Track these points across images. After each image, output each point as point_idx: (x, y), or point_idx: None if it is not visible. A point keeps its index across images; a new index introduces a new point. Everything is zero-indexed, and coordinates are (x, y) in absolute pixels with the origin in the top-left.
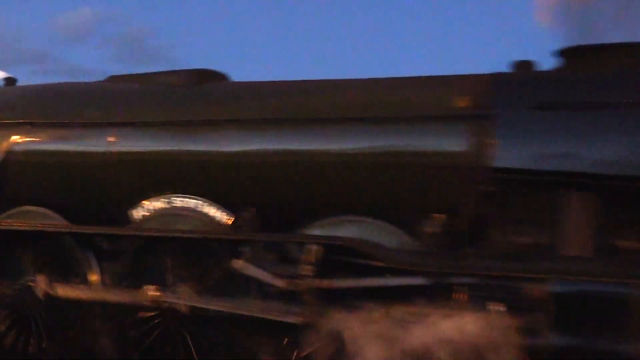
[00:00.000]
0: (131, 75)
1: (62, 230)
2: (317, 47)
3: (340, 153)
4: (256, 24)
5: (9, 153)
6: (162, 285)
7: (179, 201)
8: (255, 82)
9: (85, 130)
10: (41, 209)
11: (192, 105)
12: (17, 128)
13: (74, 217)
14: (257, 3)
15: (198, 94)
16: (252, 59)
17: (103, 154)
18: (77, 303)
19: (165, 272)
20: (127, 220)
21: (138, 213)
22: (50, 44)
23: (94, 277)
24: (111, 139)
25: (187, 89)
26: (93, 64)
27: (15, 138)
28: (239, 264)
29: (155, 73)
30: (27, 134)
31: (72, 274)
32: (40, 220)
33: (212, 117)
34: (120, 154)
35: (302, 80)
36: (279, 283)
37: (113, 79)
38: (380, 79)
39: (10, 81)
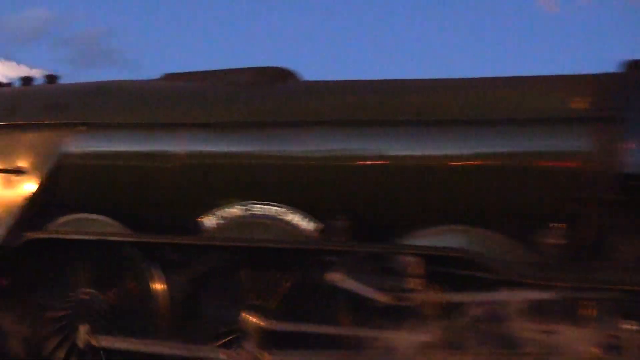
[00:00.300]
0: (188, 73)
1: (127, 239)
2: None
3: (445, 157)
4: (208, 25)
5: (63, 156)
6: (236, 301)
7: (258, 208)
8: (331, 81)
9: (150, 132)
10: (99, 217)
11: (270, 105)
12: (71, 129)
13: (135, 226)
14: (214, 5)
15: (274, 93)
16: (206, 61)
17: (171, 156)
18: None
19: (240, 286)
20: (197, 229)
21: (210, 221)
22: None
23: (158, 290)
24: (180, 140)
25: (261, 87)
26: (46, 64)
27: (69, 140)
28: (335, 277)
29: (216, 71)
30: (82, 136)
31: (134, 287)
32: (98, 228)
33: (295, 118)
34: (191, 157)
35: (385, 80)
36: (383, 297)
37: (169, 77)
38: (485, 78)
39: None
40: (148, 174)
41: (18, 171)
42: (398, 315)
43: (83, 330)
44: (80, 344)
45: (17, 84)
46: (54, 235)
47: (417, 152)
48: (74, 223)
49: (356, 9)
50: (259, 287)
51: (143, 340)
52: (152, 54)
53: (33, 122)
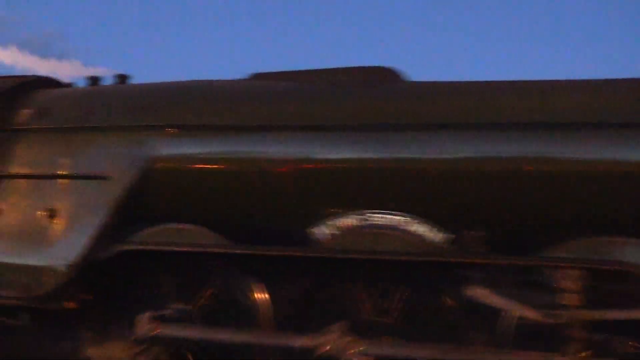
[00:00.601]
0: (281, 72)
1: (230, 251)
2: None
3: (606, 161)
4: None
5: (151, 161)
6: (351, 318)
7: (378, 217)
8: (440, 82)
9: (252, 135)
10: (192, 227)
11: (384, 107)
12: (160, 132)
13: (234, 237)
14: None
15: (386, 94)
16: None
17: (277, 162)
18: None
19: (357, 302)
20: (307, 240)
21: (322, 232)
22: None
23: (260, 307)
24: (288, 144)
25: (369, 88)
26: None
27: (158, 143)
28: (477, 292)
29: (316, 71)
30: (174, 139)
31: (235, 304)
32: (194, 239)
33: (415, 120)
34: (299, 161)
35: (495, 81)
36: (533, 315)
37: (259, 76)
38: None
39: (94, 80)
40: (250, 180)
41: (99, 177)
42: (541, 334)
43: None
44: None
45: (84, 84)
46: (149, 248)
47: (573, 155)
48: (164, 234)
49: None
50: (375, 302)
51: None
52: (104, 53)
53: (115, 125)
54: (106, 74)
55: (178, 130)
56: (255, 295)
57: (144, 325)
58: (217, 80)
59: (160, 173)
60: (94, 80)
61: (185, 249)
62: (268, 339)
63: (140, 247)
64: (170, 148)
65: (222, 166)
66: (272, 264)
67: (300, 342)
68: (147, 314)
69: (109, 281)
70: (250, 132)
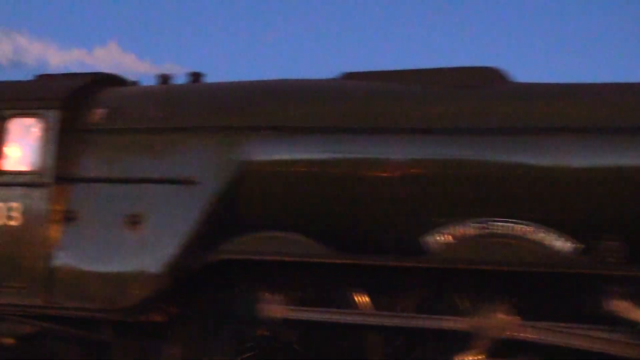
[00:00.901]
0: (373, 72)
1: (337, 261)
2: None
3: None
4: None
5: (245, 164)
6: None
7: (499, 226)
8: (547, 83)
9: (359, 137)
10: (291, 234)
11: (499, 110)
12: (255, 133)
13: (334, 245)
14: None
15: (498, 96)
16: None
17: (385, 166)
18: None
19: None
20: (418, 250)
21: (437, 240)
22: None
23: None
24: (398, 147)
25: (478, 89)
26: None
27: (252, 145)
28: (618, 305)
29: (410, 71)
30: (270, 141)
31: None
32: (293, 248)
33: (536, 124)
34: (410, 165)
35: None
36: None
37: (351, 75)
38: None
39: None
40: (354, 185)
41: (186, 181)
42: None
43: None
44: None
45: (155, 82)
46: (251, 257)
47: None
48: (261, 242)
49: None
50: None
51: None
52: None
53: (203, 126)
54: (165, 70)
55: (275, 132)
56: (359, 307)
57: (275, 308)
58: (308, 80)
59: (254, 177)
60: (165, 78)
61: (291, 259)
62: (415, 322)
63: (240, 256)
64: (267, 151)
65: (324, 170)
66: (377, 275)
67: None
68: (279, 296)
69: (197, 292)
70: (355, 134)
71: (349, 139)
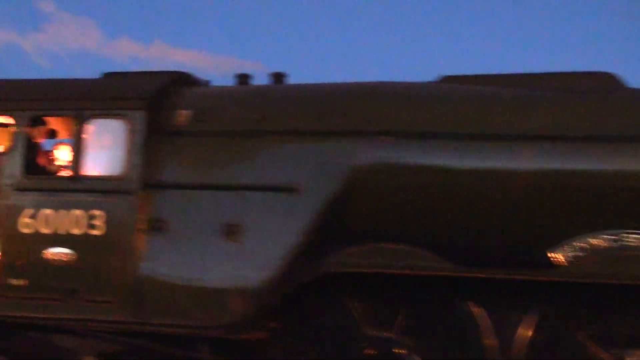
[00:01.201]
0: (474, 76)
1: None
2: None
3: None
4: None
5: (357, 172)
6: None
7: (633, 238)
8: None
9: (483, 144)
10: (405, 246)
11: (628, 116)
12: (369, 139)
13: (452, 257)
14: None
15: (621, 103)
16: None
17: (512, 175)
18: None
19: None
20: (547, 263)
21: (564, 254)
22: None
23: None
24: (524, 156)
25: (599, 95)
26: None
27: (366, 152)
28: None
29: (514, 75)
30: (387, 147)
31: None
32: (409, 260)
33: None
34: (539, 175)
35: None
36: None
37: (450, 79)
38: None
39: (243, 78)
40: (479, 194)
41: (287, 189)
42: None
43: None
44: None
45: (233, 82)
46: (367, 270)
47: None
48: (374, 254)
49: None
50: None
51: None
52: None
53: (306, 129)
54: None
55: (393, 138)
56: (478, 322)
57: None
58: (412, 83)
59: (365, 185)
60: (244, 78)
61: (418, 273)
62: None
63: (356, 269)
64: (382, 157)
65: (447, 179)
66: (497, 289)
67: None
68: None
69: (299, 306)
70: (477, 141)
71: (471, 146)
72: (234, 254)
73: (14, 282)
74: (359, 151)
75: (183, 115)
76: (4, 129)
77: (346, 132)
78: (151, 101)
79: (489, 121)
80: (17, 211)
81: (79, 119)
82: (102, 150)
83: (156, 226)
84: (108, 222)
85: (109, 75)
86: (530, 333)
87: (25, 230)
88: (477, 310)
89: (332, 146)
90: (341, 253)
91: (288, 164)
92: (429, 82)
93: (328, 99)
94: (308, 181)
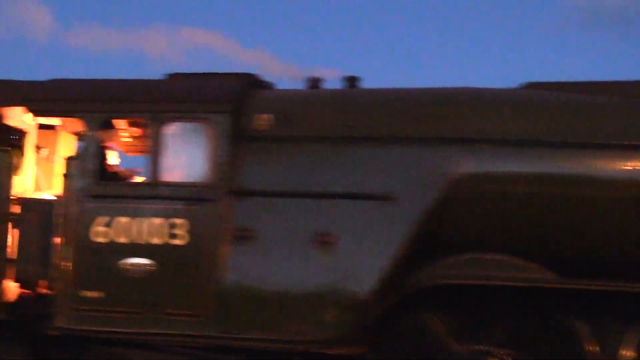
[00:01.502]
0: (558, 83)
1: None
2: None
3: None
4: None
5: (455, 180)
6: None
7: None
8: None
9: (580, 152)
10: (507, 257)
11: None
12: (466, 146)
13: (555, 269)
14: None
15: None
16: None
17: (614, 184)
18: None
19: None
20: None
21: None
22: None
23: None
24: (626, 164)
25: None
26: None
27: (463, 160)
28: None
29: (602, 83)
30: (485, 155)
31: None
32: (514, 271)
33: None
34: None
35: None
36: None
37: (534, 86)
38: None
39: (315, 82)
40: (582, 204)
41: (384, 197)
42: None
43: None
44: None
45: (304, 86)
46: (470, 282)
47: None
48: (475, 265)
49: None
50: None
51: None
52: None
53: (400, 136)
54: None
55: (491, 145)
56: (581, 337)
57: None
58: (501, 89)
59: (465, 194)
60: (315, 81)
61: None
62: None
63: (462, 281)
64: (481, 165)
65: (552, 188)
66: (601, 302)
67: None
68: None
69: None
70: (576, 149)
71: (571, 154)
72: (329, 264)
73: (88, 294)
74: (458, 159)
75: (264, 119)
76: (48, 131)
77: (445, 139)
78: (236, 104)
79: (586, 129)
80: (90, 219)
81: (156, 122)
82: (180, 155)
83: (242, 235)
84: (190, 231)
85: (174, 76)
86: (635, 348)
87: (100, 240)
88: (578, 322)
89: (429, 153)
90: (440, 264)
91: (383, 171)
92: (516, 89)
93: (424, 104)
94: (405, 189)
